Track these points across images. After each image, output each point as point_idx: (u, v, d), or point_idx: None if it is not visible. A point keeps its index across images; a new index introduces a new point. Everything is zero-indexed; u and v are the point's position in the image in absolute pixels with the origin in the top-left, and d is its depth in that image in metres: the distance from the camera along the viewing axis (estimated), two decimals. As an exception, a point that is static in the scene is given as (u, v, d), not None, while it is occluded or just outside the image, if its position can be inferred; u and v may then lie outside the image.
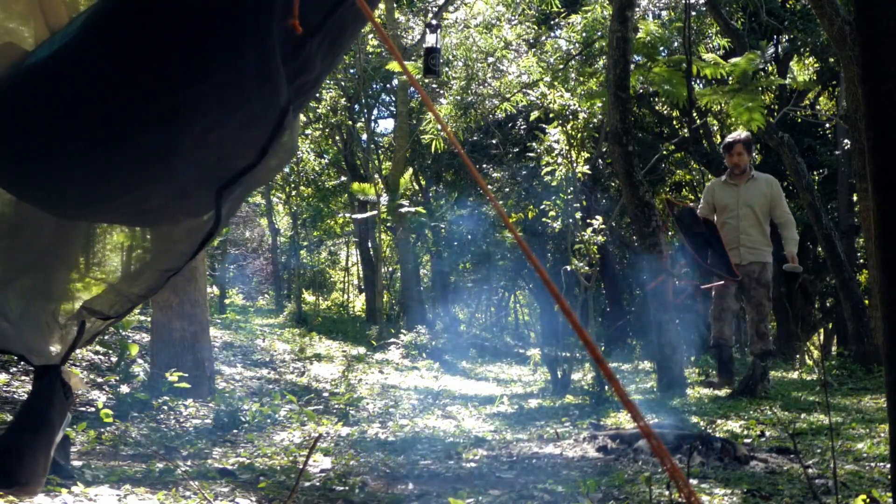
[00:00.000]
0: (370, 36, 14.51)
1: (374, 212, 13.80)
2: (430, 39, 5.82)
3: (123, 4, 1.37)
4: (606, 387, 5.82)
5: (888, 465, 2.71)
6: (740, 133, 6.94)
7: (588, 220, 7.61)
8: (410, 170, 14.29)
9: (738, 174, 6.56)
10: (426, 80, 11.21)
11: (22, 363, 5.47)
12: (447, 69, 11.86)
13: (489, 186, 14.24)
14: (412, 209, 14.18)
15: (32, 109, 1.46)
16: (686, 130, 14.15)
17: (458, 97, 11.24)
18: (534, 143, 8.68)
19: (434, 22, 6.65)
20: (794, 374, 8.46)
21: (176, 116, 1.44)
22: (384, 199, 13.80)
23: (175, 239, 1.75)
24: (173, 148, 1.49)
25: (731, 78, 9.10)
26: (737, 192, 6.53)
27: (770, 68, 9.66)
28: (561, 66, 11.11)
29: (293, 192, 17.15)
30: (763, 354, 6.29)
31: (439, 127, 10.87)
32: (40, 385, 1.69)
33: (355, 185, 14.62)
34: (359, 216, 15.19)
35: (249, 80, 1.42)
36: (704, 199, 6.85)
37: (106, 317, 1.80)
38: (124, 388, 5.51)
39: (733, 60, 9.10)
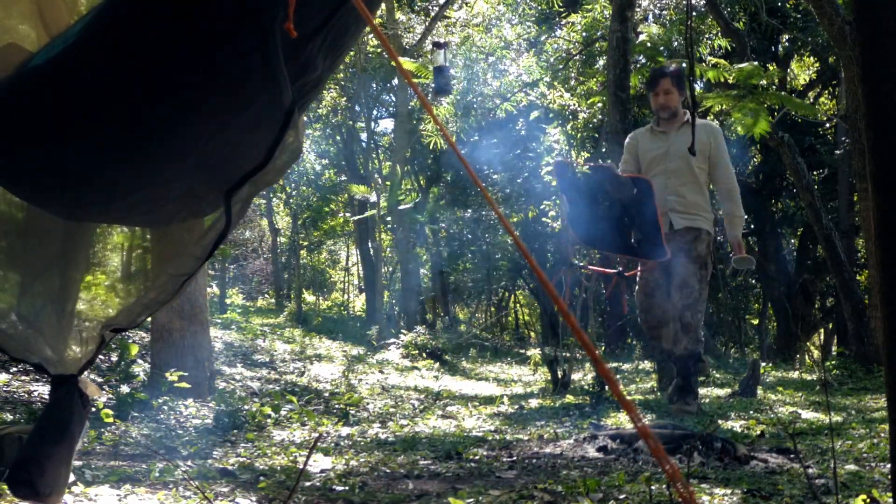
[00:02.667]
0: (370, 36, 14.51)
1: (374, 210, 13.82)
2: (439, 58, 5.62)
3: (126, 8, 1.37)
4: (606, 387, 5.82)
5: (888, 465, 2.71)
6: (669, 65, 5.70)
7: (588, 220, 7.60)
8: (408, 167, 14.32)
9: (667, 119, 5.11)
10: (437, 99, 11.14)
11: (22, 363, 5.46)
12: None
13: (489, 187, 14.23)
14: (408, 204, 14.22)
15: (37, 112, 1.46)
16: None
17: (458, 97, 11.26)
18: (534, 144, 8.69)
19: (441, 40, 6.53)
20: (794, 374, 8.46)
21: (181, 118, 1.45)
22: (383, 198, 13.83)
23: (187, 243, 1.75)
24: (179, 149, 1.49)
25: (731, 79, 9.09)
26: (666, 142, 5.09)
27: (771, 68, 9.64)
28: (561, 67, 11.12)
29: (293, 192, 17.15)
30: (688, 357, 4.90)
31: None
32: (58, 395, 1.70)
33: (353, 187, 14.64)
34: (358, 216, 15.22)
35: (253, 80, 1.42)
36: (627, 153, 5.30)
37: (125, 328, 1.81)
38: (124, 388, 5.51)
39: (739, 66, 9.04)
